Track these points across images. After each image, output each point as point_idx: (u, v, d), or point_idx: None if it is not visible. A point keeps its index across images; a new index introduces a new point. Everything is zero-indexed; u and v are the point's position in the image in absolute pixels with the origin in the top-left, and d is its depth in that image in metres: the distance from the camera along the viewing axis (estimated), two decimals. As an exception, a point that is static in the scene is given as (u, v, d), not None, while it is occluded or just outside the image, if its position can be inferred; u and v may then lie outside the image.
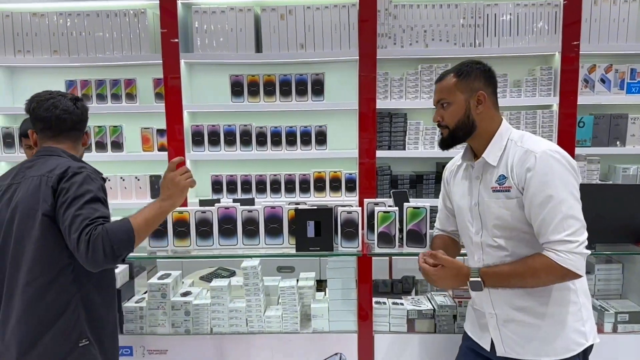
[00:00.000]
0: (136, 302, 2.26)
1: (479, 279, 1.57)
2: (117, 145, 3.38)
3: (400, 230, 2.10)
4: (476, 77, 1.62)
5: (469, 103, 1.61)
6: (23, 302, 1.54)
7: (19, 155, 3.28)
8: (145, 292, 2.32)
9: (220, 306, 2.23)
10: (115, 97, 3.36)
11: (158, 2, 3.23)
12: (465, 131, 1.63)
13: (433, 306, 2.25)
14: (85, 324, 1.59)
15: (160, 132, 3.38)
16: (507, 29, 3.19)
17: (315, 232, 2.09)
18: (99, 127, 3.38)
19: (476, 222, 1.66)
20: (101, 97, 3.37)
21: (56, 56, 3.35)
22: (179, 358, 2.19)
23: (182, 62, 3.27)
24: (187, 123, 3.38)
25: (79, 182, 1.55)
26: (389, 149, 3.34)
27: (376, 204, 2.19)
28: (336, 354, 2.18)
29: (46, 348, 1.54)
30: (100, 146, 3.39)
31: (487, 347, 1.68)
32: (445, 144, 1.68)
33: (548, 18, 3.15)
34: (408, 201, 2.21)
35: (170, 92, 3.28)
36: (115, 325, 1.75)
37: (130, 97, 3.37)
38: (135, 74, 3.38)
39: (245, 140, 3.37)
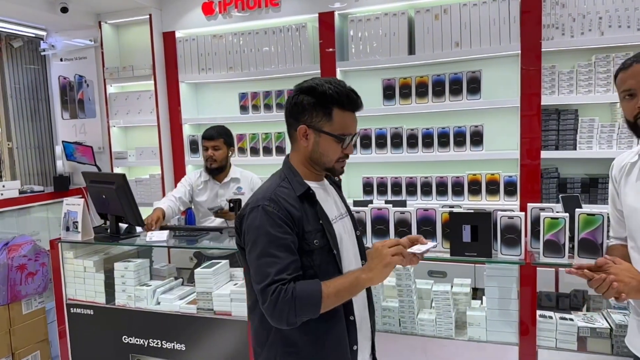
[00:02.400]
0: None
1: None
2: (281, 150, 3.70)
3: (571, 239, 1.91)
4: None
5: None
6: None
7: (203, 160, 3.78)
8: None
9: (375, 304, 2.28)
10: (280, 106, 3.69)
11: (317, 15, 3.45)
12: None
13: (610, 325, 1.99)
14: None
15: (317, 136, 3.60)
16: None
17: (472, 237, 2.02)
18: (265, 133, 3.74)
19: None
20: (268, 107, 3.73)
21: (231, 72, 3.81)
22: (335, 350, 2.30)
23: (337, 70, 3.44)
24: (342, 127, 3.53)
25: (248, 225, 1.42)
26: (557, 149, 3.05)
27: (542, 209, 2.03)
28: (494, 365, 2.07)
29: None
30: (267, 151, 3.75)
31: None
32: None
33: None
34: (580, 207, 2.00)
35: (327, 98, 3.47)
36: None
37: (292, 105, 3.65)
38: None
39: (396, 142, 3.40)
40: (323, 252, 1.45)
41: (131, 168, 4.34)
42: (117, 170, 4.20)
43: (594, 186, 3.01)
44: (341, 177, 1.73)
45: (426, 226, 2.16)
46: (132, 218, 2.66)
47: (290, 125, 1.50)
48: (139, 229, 2.79)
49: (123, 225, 2.80)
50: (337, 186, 1.70)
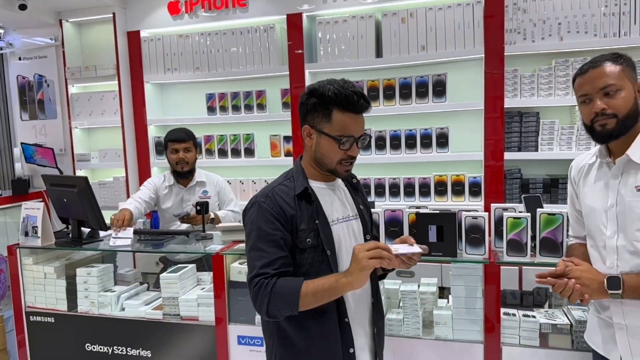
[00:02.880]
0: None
1: (619, 277, 1.43)
2: (250, 152, 3.67)
3: (533, 238, 1.97)
4: (633, 66, 1.49)
5: (636, 92, 1.47)
6: None
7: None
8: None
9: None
10: (248, 107, 3.65)
11: (285, 17, 3.44)
12: (634, 121, 1.47)
13: (570, 321, 2.06)
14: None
15: (286, 138, 3.60)
16: (662, 12, 2.81)
17: (438, 237, 2.05)
18: (234, 135, 3.70)
19: (611, 224, 1.51)
20: (236, 108, 3.69)
21: (198, 72, 3.75)
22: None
23: (306, 72, 3.44)
24: (311, 129, 3.54)
25: (247, 220, 1.52)
26: (519, 150, 3.14)
27: (505, 209, 2.08)
28: (460, 363, 2.11)
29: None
30: (235, 153, 3.71)
31: None
32: (612, 135, 1.48)
33: None
34: (542, 207, 2.06)
35: (295, 100, 3.47)
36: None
37: (261, 107, 3.63)
38: (265, 86, 3.64)
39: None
40: (316, 251, 1.48)
41: (94, 170, 4.21)
42: (79, 172, 4.07)
43: (555, 186, 3.11)
44: (358, 178, 1.71)
45: (394, 227, 2.18)
46: (94, 222, 2.58)
47: (301, 125, 1.54)
48: (102, 233, 2.71)
49: (86, 230, 2.72)
50: (354, 188, 1.68)
